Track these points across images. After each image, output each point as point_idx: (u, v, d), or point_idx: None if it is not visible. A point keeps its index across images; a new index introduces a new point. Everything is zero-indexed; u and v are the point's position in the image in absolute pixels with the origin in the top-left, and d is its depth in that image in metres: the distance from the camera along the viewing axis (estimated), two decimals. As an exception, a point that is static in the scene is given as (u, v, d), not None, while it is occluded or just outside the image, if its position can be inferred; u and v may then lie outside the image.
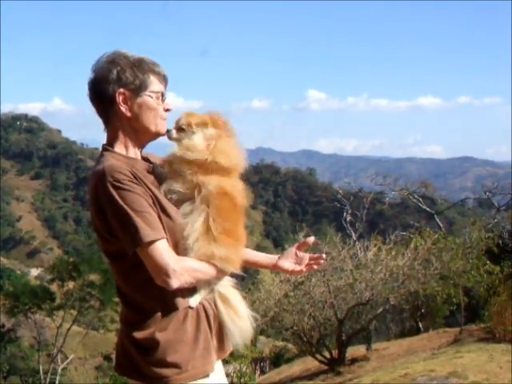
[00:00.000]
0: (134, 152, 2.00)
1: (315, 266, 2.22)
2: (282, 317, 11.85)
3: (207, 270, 1.91)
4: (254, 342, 14.21)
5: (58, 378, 24.57)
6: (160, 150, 2.09)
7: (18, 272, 54.34)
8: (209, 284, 1.96)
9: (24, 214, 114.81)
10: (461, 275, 11.72)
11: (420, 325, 14.36)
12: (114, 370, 2.09)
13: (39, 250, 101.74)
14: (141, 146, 2.03)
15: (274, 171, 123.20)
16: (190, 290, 1.91)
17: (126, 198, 1.82)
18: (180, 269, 1.84)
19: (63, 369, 26.44)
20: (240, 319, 2.00)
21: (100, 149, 2.02)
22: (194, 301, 1.92)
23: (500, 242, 13.84)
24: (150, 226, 1.82)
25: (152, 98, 1.97)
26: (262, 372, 16.68)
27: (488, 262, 12.37)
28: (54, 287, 25.95)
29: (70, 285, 25.00)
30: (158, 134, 2.01)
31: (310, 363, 12.71)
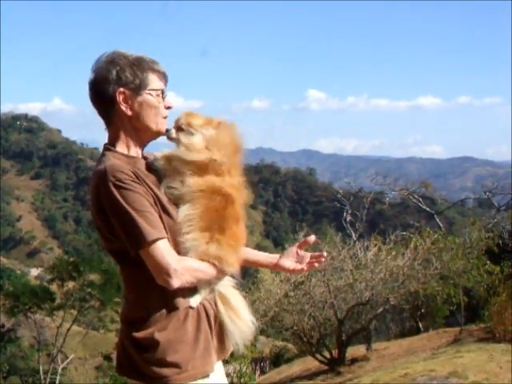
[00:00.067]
0: (135, 151, 2.00)
1: (316, 265, 2.22)
2: (282, 317, 11.85)
3: (208, 270, 1.91)
4: (254, 342, 14.21)
5: (58, 377, 24.58)
6: (160, 150, 2.09)
7: (18, 272, 54.43)
8: (209, 284, 1.96)
9: (24, 213, 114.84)
10: (461, 275, 11.72)
11: (420, 325, 14.37)
12: (115, 370, 2.09)
13: (39, 250, 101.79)
14: (142, 145, 2.02)
15: (274, 171, 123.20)
16: (190, 290, 1.91)
17: (128, 197, 1.82)
18: (181, 268, 1.84)
19: (63, 369, 26.44)
20: (240, 320, 1.99)
21: (101, 148, 2.02)
22: (195, 301, 1.92)
23: (500, 242, 13.83)
24: (151, 226, 1.82)
25: (152, 95, 1.97)
26: (262, 372, 16.69)
27: (488, 262, 12.37)
28: (53, 287, 25.94)
29: (70, 285, 25.00)
30: (159, 133, 2.01)
31: (310, 363, 12.71)
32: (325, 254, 2.22)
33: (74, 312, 25.99)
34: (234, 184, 1.97)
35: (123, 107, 1.94)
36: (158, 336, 1.87)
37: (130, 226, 1.81)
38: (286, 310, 11.58)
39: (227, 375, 2.40)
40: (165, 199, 1.92)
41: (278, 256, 2.24)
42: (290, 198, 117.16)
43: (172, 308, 1.89)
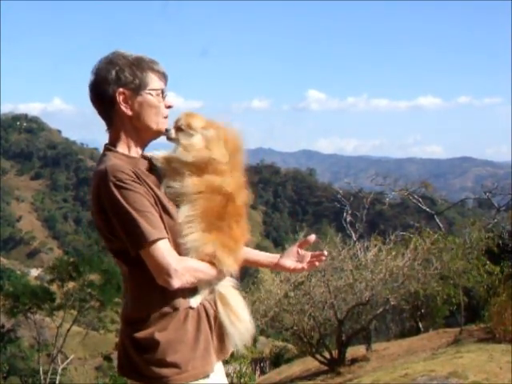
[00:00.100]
0: (136, 151, 2.00)
1: (317, 263, 2.22)
2: (282, 317, 11.84)
3: (208, 271, 1.91)
4: (254, 342, 14.21)
5: (58, 378, 24.59)
6: (160, 150, 2.09)
7: (18, 272, 54.39)
8: (210, 284, 1.96)
9: (24, 214, 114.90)
10: (461, 275, 11.72)
11: (420, 325, 14.37)
12: (117, 372, 2.09)
13: (39, 251, 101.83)
14: (143, 145, 2.02)
15: (274, 171, 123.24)
16: (190, 291, 1.91)
17: (128, 197, 1.82)
18: (181, 269, 1.84)
19: (63, 369, 26.44)
20: (240, 322, 1.99)
21: (101, 149, 2.02)
22: (195, 301, 1.92)
23: (500, 242, 13.84)
24: (151, 226, 1.82)
25: (152, 95, 1.97)
26: (262, 372, 16.69)
27: (488, 262, 12.36)
28: (53, 287, 25.95)
29: (70, 285, 25.03)
30: (159, 132, 2.01)
31: (309, 363, 12.70)
32: (325, 252, 2.23)
33: (74, 312, 26.00)
34: (235, 183, 1.96)
35: (123, 107, 1.94)
36: (158, 336, 1.87)
37: (131, 226, 1.81)
38: (286, 311, 11.57)
39: (227, 375, 2.40)
40: (165, 199, 1.92)
41: (278, 256, 2.24)
42: (290, 199, 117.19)
43: (172, 308, 1.89)
